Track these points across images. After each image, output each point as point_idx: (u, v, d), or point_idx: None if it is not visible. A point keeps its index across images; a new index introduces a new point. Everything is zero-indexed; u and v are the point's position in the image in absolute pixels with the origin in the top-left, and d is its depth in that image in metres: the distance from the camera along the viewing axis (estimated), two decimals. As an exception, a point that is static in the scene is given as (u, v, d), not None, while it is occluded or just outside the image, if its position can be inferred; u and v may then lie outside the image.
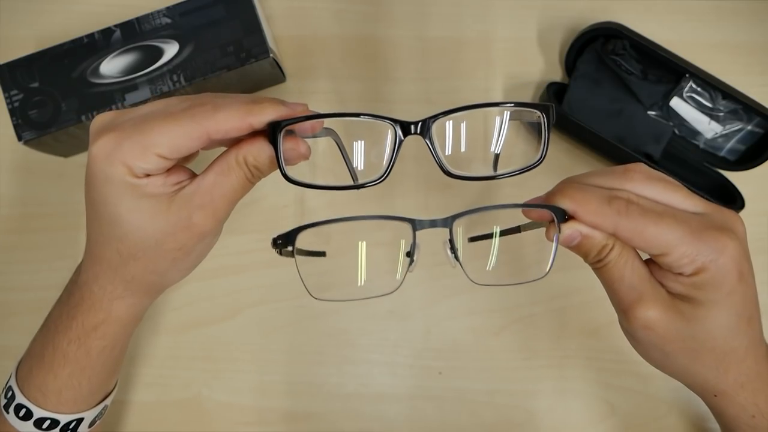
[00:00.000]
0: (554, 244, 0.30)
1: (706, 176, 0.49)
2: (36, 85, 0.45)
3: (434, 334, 0.48)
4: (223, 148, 0.31)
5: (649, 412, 0.47)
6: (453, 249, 0.31)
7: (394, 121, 0.30)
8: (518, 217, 0.45)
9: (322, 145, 0.47)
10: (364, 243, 0.34)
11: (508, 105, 0.30)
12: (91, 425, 0.38)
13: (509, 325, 0.48)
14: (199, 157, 0.34)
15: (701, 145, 0.49)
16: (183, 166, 0.32)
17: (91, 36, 0.45)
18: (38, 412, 0.35)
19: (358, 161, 0.34)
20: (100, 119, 0.30)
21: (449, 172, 0.31)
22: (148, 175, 0.29)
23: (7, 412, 0.35)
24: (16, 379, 0.36)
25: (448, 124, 0.32)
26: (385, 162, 0.30)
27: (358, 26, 0.52)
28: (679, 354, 0.31)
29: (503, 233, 0.33)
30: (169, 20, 0.45)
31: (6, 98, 0.45)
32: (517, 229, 0.33)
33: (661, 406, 0.48)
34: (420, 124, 0.30)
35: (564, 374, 0.48)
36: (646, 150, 0.48)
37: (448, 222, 0.30)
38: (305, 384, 0.48)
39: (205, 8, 0.45)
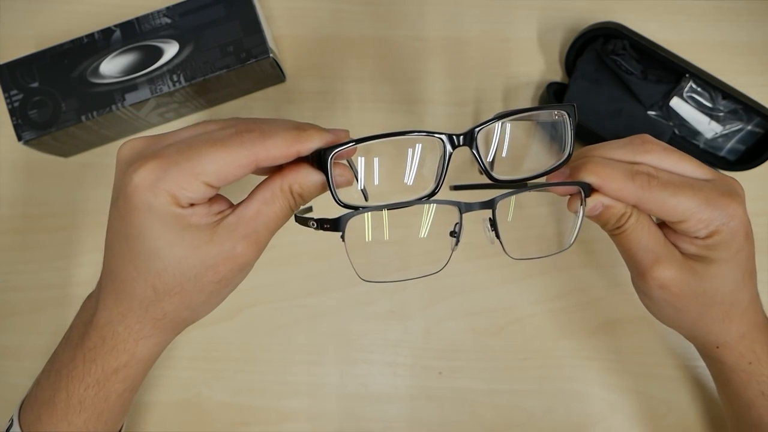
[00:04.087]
0: (580, 216, 0.32)
1: (706, 176, 0.49)
2: (36, 85, 0.45)
3: (434, 334, 0.48)
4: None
5: (649, 412, 0.47)
6: (494, 227, 0.32)
7: (442, 134, 0.30)
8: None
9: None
10: (410, 226, 0.34)
11: (537, 109, 0.33)
12: None
13: (509, 325, 0.48)
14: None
15: (701, 145, 0.49)
16: (221, 195, 0.31)
17: (91, 36, 0.45)
18: None
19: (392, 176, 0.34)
20: (131, 146, 0.29)
21: (496, 179, 0.32)
22: (192, 205, 0.28)
23: None
24: (20, 427, 0.34)
25: (485, 132, 0.32)
26: (436, 174, 0.31)
27: (358, 26, 0.52)
28: (690, 309, 0.34)
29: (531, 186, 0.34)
30: (169, 20, 0.45)
31: (6, 98, 0.45)
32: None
33: (661, 406, 0.48)
34: (464, 136, 0.31)
35: (564, 374, 0.48)
36: (646, 150, 0.48)
37: (492, 203, 0.31)
38: (305, 384, 0.48)
39: (205, 8, 0.45)
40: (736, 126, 0.48)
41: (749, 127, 0.48)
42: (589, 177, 0.31)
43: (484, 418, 0.47)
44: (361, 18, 0.52)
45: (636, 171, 0.31)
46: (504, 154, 0.35)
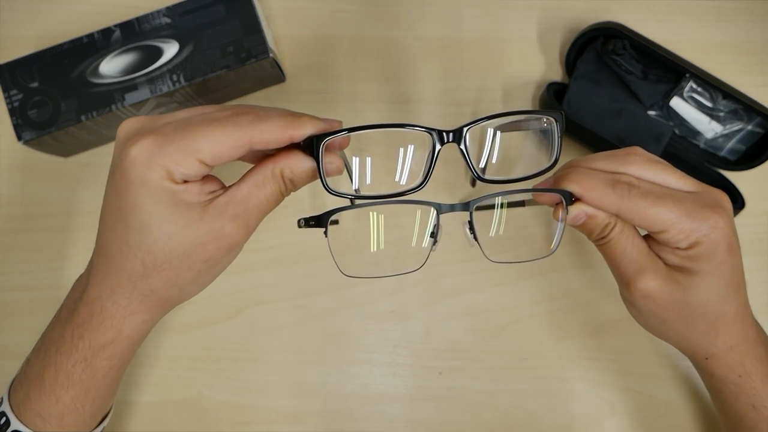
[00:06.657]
0: (561, 224, 0.33)
1: (706, 176, 0.49)
2: (36, 85, 0.45)
3: (434, 334, 0.48)
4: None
5: (649, 412, 0.47)
6: (472, 230, 0.33)
7: (431, 129, 0.31)
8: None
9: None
10: (390, 225, 0.35)
11: (525, 113, 0.34)
12: None
13: (509, 325, 0.48)
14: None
15: (701, 145, 0.49)
16: (214, 176, 0.31)
17: (91, 36, 0.45)
18: None
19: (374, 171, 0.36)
20: (130, 124, 0.30)
21: (482, 177, 0.33)
22: (185, 182, 0.29)
23: None
24: (9, 405, 0.34)
25: (476, 131, 0.33)
26: (424, 169, 0.32)
27: (358, 26, 0.52)
28: (675, 320, 0.34)
29: (510, 205, 0.35)
30: (169, 20, 0.45)
31: (6, 98, 0.45)
32: (521, 203, 0.36)
33: (661, 406, 0.48)
34: (453, 132, 0.31)
35: (564, 374, 0.48)
36: (646, 150, 0.48)
37: (468, 206, 0.33)
38: (305, 384, 0.48)
39: (205, 8, 0.45)
40: (736, 126, 0.48)
41: (749, 127, 0.48)
42: (571, 186, 0.32)
43: (484, 418, 0.47)
44: (361, 18, 0.52)
45: (617, 180, 0.31)
46: (494, 159, 0.36)
